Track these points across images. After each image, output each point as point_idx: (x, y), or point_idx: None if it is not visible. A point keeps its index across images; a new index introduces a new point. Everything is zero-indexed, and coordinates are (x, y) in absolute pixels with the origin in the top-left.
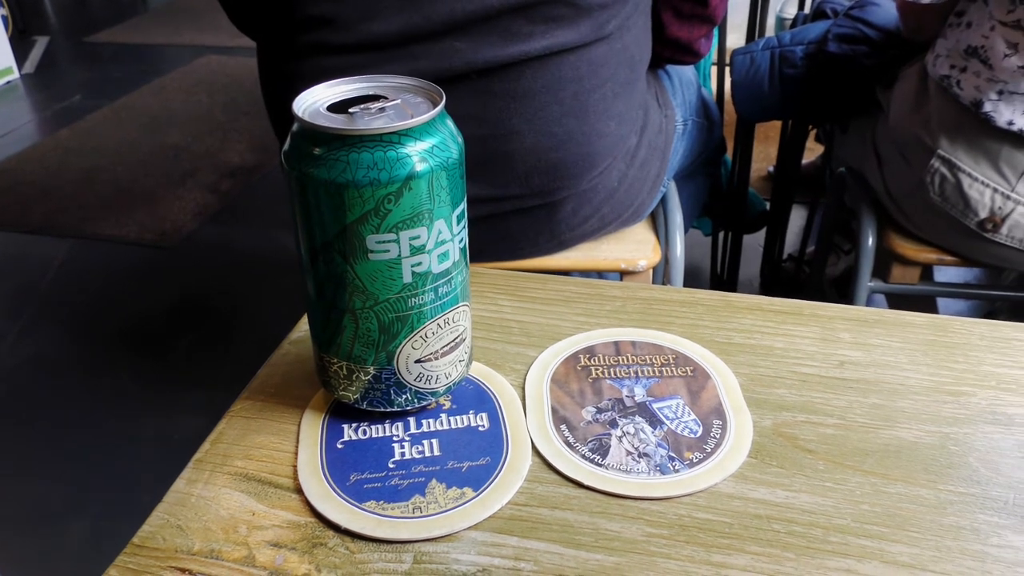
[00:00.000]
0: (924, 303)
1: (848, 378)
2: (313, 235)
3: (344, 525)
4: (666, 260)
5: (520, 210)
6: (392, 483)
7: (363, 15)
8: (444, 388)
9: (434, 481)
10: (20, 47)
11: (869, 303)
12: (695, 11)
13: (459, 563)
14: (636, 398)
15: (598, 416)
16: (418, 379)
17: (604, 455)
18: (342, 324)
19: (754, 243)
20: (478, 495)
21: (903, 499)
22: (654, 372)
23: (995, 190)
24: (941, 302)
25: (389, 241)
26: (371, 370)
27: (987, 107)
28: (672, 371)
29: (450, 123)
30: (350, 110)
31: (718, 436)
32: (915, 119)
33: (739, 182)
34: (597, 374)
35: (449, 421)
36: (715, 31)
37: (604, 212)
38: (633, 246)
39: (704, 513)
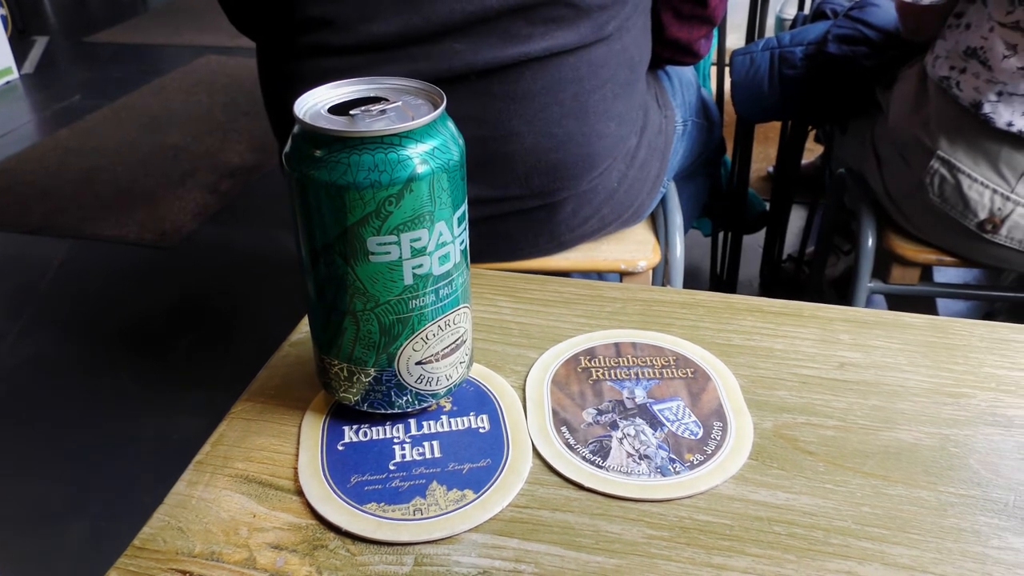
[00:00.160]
0: (923, 304)
1: (848, 380)
2: (314, 237)
3: (345, 527)
4: (666, 261)
5: (520, 211)
6: (393, 485)
7: (362, 16)
8: (445, 390)
9: (435, 483)
10: (20, 47)
11: (869, 304)
12: (695, 12)
13: (460, 565)
14: (637, 400)
15: (599, 418)
16: (419, 381)
17: (605, 457)
18: (343, 326)
19: (754, 244)
20: (479, 497)
21: (904, 501)
22: (654, 374)
23: (994, 191)
24: (941, 303)
25: (390, 243)
26: (372, 372)
27: (986, 108)
28: (672, 373)
29: (451, 125)
30: (351, 112)
31: (719, 438)
32: (915, 120)
33: (739, 182)
34: (598, 376)
35: (450, 423)
36: (715, 32)
37: (604, 213)
38: (633, 247)
39: (705, 515)
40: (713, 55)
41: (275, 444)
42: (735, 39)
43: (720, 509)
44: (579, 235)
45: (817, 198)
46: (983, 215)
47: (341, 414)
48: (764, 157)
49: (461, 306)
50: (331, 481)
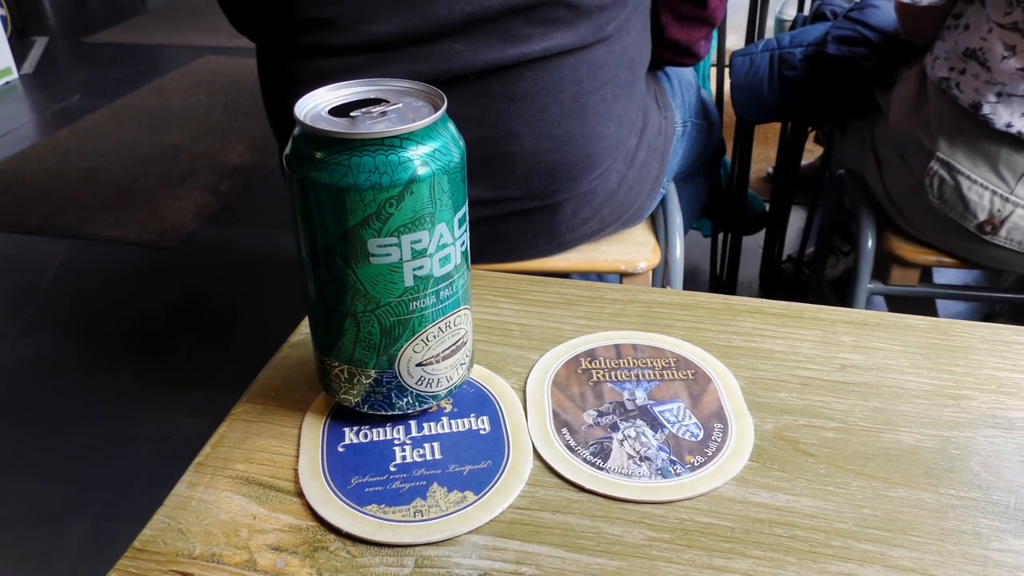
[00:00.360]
0: (923, 305)
1: (849, 381)
2: (314, 239)
3: (345, 529)
4: (666, 262)
5: (520, 212)
6: (393, 487)
7: (362, 16)
8: (445, 391)
9: (435, 485)
10: (19, 47)
11: (868, 305)
12: (694, 13)
13: (460, 567)
14: (637, 401)
15: (599, 419)
16: (419, 382)
17: (605, 459)
18: (343, 328)
19: (753, 244)
20: (479, 499)
21: (904, 503)
22: (655, 375)
23: (994, 192)
24: (940, 304)
25: (391, 245)
26: (372, 374)
27: (986, 109)
28: (673, 374)
29: (452, 127)
30: (352, 114)
31: (719, 440)
32: (914, 121)
33: (738, 183)
34: (598, 377)
35: (450, 424)
36: (714, 33)
37: (604, 214)
38: (633, 248)
39: (705, 517)
40: (713, 56)
41: (275, 445)
42: (735, 40)
43: (721, 511)
44: (579, 236)
45: (817, 199)
46: (983, 216)
47: (341, 416)
48: (764, 158)
49: (462, 308)
50: (331, 483)
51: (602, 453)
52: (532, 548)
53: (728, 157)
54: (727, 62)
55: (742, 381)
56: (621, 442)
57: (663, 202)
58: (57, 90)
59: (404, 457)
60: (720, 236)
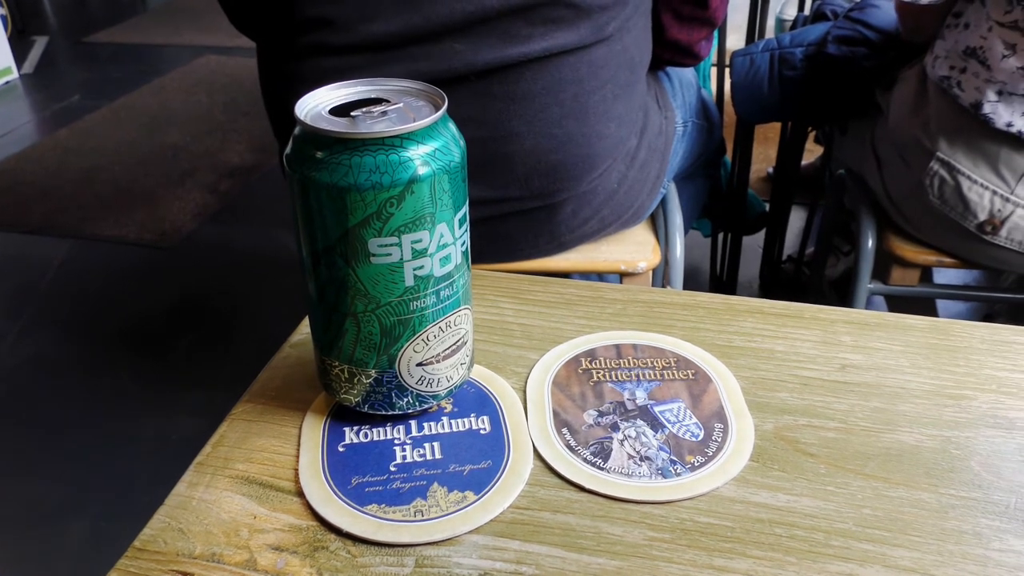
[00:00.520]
0: (923, 305)
1: (849, 381)
2: (315, 239)
3: (345, 528)
4: (666, 261)
5: (520, 212)
6: (393, 486)
7: (362, 16)
8: (446, 391)
9: (435, 484)
10: (19, 47)
11: (868, 305)
12: (695, 13)
13: (461, 567)
14: (637, 401)
15: (599, 419)
16: (420, 382)
17: (606, 459)
18: (344, 328)
19: (753, 244)
20: (480, 498)
21: (905, 503)
22: (655, 375)
23: (994, 192)
24: (940, 304)
25: (391, 245)
26: (373, 373)
27: (986, 108)
28: (673, 374)
29: (452, 126)
30: (352, 113)
31: (720, 440)
32: (914, 121)
33: (738, 183)
34: (598, 377)
35: (450, 424)
36: (715, 33)
37: (604, 214)
38: (633, 247)
39: (706, 517)
40: (713, 56)
41: (276, 445)
42: (735, 40)
43: (721, 511)
44: (579, 236)
45: (817, 199)
46: (983, 216)
47: (342, 415)
48: (764, 158)
49: (462, 307)
50: (332, 482)
51: (602, 453)
52: (532, 548)
53: (728, 157)
54: (727, 62)
55: (742, 381)
56: (621, 442)
57: (663, 202)
58: (57, 90)
59: (404, 457)
60: (720, 236)
